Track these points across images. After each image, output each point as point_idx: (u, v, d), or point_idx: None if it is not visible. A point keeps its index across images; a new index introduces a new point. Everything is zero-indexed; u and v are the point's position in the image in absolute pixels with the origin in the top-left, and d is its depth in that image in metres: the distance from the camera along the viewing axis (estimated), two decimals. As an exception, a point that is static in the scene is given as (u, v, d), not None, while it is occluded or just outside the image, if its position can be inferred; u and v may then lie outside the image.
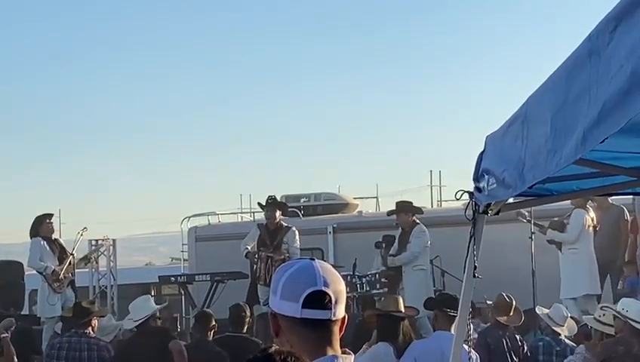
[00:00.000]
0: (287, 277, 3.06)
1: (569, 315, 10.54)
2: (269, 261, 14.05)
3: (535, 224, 13.79)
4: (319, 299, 3.03)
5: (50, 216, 14.99)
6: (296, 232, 14.49)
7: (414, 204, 14.77)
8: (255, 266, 14.37)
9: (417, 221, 14.03)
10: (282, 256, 13.91)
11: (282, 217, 14.80)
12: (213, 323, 10.48)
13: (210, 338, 10.32)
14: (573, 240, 13.45)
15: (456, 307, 5.47)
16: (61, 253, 14.72)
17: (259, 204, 15.14)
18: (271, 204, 14.64)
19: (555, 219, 13.91)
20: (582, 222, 13.36)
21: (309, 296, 3.02)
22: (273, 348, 2.85)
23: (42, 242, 14.61)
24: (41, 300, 14.79)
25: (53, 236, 14.92)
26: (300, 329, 3.04)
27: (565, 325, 10.31)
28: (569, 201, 12.45)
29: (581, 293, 13.14)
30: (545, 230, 13.66)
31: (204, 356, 10.00)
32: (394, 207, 14.55)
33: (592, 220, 13.60)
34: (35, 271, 14.93)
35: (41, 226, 14.74)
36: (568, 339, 10.26)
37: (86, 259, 16.31)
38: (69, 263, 14.75)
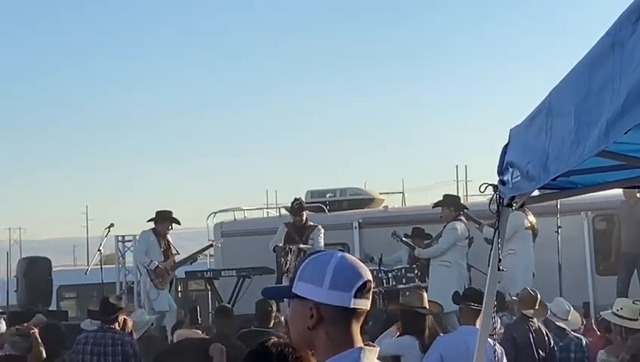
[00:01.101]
0: (336, 267, 3.05)
1: (572, 308, 10.49)
2: (301, 254, 14.16)
3: (473, 220, 13.96)
4: (367, 289, 3.08)
5: (171, 216, 15.09)
6: (322, 230, 14.71)
7: (460, 199, 14.69)
8: (283, 259, 14.46)
9: (460, 217, 13.88)
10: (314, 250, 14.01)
11: (309, 213, 14.96)
12: (233, 317, 10.52)
13: (231, 332, 10.36)
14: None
15: (481, 301, 5.45)
16: (167, 250, 14.85)
17: (285, 208, 15.29)
18: (297, 208, 14.88)
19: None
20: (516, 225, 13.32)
21: (361, 285, 3.06)
22: (270, 341, 2.86)
23: (152, 237, 14.74)
24: (143, 294, 15.04)
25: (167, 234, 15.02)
26: (345, 320, 3.04)
27: (569, 318, 10.26)
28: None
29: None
30: (482, 227, 13.69)
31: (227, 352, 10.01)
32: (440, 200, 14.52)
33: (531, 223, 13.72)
34: (61, 268, 15.03)
35: (160, 222, 14.87)
36: (574, 333, 10.24)
37: (192, 258, 16.31)
38: (173, 261, 14.90)
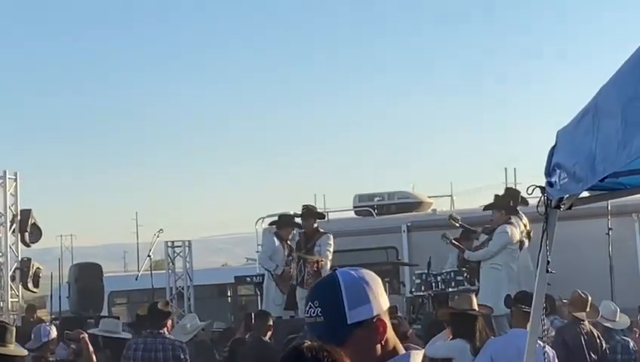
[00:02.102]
0: (360, 278, 3.09)
1: (619, 310, 10.40)
2: (301, 262, 14.25)
3: (457, 246, 14.18)
4: None
5: (294, 221, 15.18)
6: (330, 237, 14.68)
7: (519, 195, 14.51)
8: (288, 268, 14.54)
9: (510, 220, 13.76)
10: (315, 259, 14.22)
11: (355, 216, 14.89)
12: (270, 322, 10.55)
13: (267, 337, 10.42)
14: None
15: (531, 303, 5.42)
16: (289, 254, 14.88)
17: (295, 214, 15.23)
18: (306, 214, 14.89)
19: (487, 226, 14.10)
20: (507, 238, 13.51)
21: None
22: (305, 344, 2.87)
23: (276, 241, 14.84)
24: (266, 299, 15.03)
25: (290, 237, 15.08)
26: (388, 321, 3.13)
27: (617, 320, 10.18)
28: None
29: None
30: (477, 235, 13.98)
31: (257, 354, 10.07)
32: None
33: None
34: (112, 274, 15.16)
35: (283, 227, 14.95)
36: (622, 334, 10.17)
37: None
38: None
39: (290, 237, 14.93)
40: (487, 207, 14.40)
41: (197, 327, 12.68)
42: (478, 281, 13.80)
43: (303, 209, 14.99)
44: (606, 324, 10.14)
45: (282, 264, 14.63)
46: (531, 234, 13.68)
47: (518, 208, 13.89)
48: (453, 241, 14.42)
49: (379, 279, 3.14)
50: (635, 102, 3.24)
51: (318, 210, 15.34)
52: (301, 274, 14.23)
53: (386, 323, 3.06)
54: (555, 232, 4.89)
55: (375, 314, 3.04)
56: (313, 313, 3.05)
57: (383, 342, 3.05)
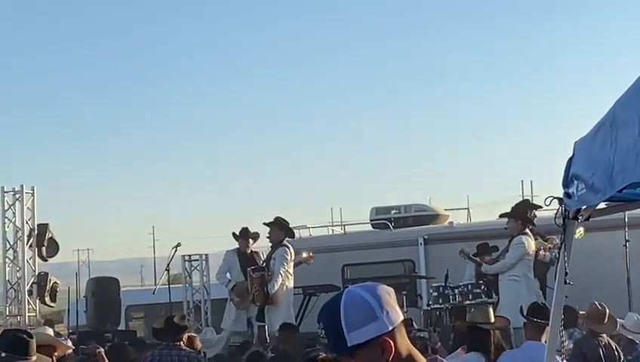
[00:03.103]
0: (370, 294, 3.08)
1: None
2: (250, 279, 14.33)
3: (473, 260, 14.24)
4: None
5: (247, 232, 15.27)
6: (287, 250, 14.62)
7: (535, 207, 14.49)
8: (242, 282, 14.60)
9: (525, 230, 13.76)
10: (261, 272, 14.23)
11: (372, 229, 14.80)
12: (298, 334, 10.54)
13: (296, 348, 10.41)
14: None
15: (545, 316, 5.40)
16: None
17: (233, 234, 15.31)
18: (241, 236, 15.05)
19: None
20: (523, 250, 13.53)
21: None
22: (319, 357, 2.88)
23: (234, 256, 14.93)
24: (226, 312, 15.26)
25: (249, 251, 15.18)
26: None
27: None
28: None
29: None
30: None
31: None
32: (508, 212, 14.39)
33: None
34: (129, 288, 15.25)
35: (239, 239, 15.13)
36: None
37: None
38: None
39: (248, 250, 15.07)
40: (503, 215, 14.40)
41: (218, 340, 12.73)
42: (497, 294, 13.75)
43: (241, 232, 15.08)
44: (630, 336, 10.11)
45: (237, 277, 14.85)
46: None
47: (534, 220, 13.90)
48: (471, 256, 14.41)
49: (391, 293, 3.11)
50: (652, 113, 3.23)
51: (288, 223, 15.12)
52: (250, 291, 14.28)
53: (390, 343, 3.02)
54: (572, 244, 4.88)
55: (380, 333, 3.01)
56: (320, 333, 3.10)
57: (390, 359, 3.02)
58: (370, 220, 18.75)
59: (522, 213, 14.06)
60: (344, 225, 19.58)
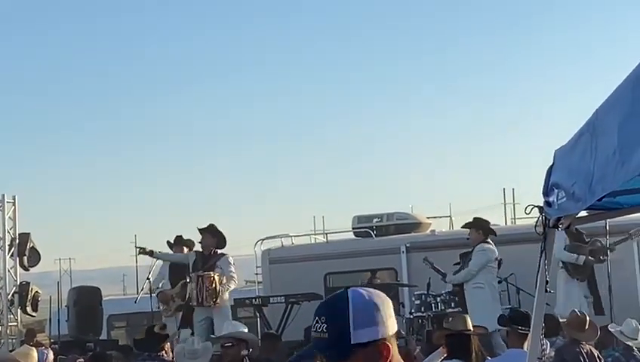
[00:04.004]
0: (374, 299, 3.10)
1: None
2: (200, 280, 14.10)
3: (437, 271, 14.45)
4: None
5: (182, 240, 15.32)
6: (230, 258, 14.59)
7: (490, 223, 14.75)
8: (186, 289, 14.49)
9: (487, 240, 13.99)
10: (213, 275, 14.07)
11: (354, 237, 14.83)
12: (280, 343, 10.56)
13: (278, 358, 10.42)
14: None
15: (528, 324, 5.42)
16: (182, 276, 14.90)
17: (167, 242, 15.40)
18: (175, 244, 15.24)
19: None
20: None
21: None
22: None
23: (166, 264, 14.98)
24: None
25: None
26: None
27: (638, 338, 10.18)
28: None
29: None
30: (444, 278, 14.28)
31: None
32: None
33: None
34: (111, 297, 15.25)
35: (173, 247, 15.24)
36: None
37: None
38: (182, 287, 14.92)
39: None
40: (465, 226, 14.64)
41: (205, 349, 12.68)
42: (464, 302, 13.93)
43: (201, 228, 14.88)
44: (627, 343, 10.16)
45: (167, 285, 14.97)
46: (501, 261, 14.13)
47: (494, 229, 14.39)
48: (435, 266, 14.72)
49: (390, 302, 3.13)
50: (631, 122, 3.25)
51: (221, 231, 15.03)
52: (201, 293, 14.08)
53: (390, 348, 3.05)
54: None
55: (381, 337, 3.04)
56: (319, 328, 3.06)
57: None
58: (353, 228, 18.75)
59: (483, 223, 14.41)
60: (326, 234, 19.59)
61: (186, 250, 15.16)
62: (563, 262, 13.92)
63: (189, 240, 15.38)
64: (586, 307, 13.26)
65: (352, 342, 3.01)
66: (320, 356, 3.06)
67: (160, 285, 15.24)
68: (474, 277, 13.81)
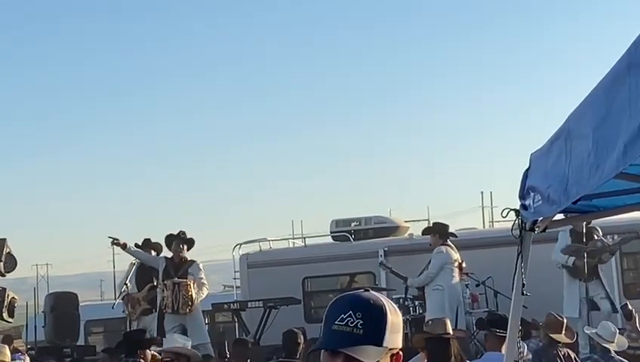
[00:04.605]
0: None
1: (617, 331, 10.45)
2: (176, 287, 14.05)
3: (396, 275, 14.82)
4: None
5: (149, 242, 15.30)
6: (201, 265, 14.60)
7: (449, 227, 14.92)
8: (160, 296, 14.34)
9: (446, 243, 14.19)
10: (189, 282, 14.03)
11: (333, 241, 14.81)
12: (249, 349, 10.57)
13: None
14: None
15: (505, 327, 5.44)
16: (148, 279, 14.86)
17: (135, 245, 15.25)
18: (143, 247, 15.08)
19: None
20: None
21: None
22: None
23: (134, 267, 14.92)
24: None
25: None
26: None
27: (615, 341, 10.22)
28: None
29: None
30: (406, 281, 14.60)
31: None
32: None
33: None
34: (88, 302, 15.15)
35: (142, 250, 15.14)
36: (618, 355, 10.20)
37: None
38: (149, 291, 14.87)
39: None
40: (424, 231, 15.16)
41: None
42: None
43: (172, 235, 14.91)
44: (604, 345, 10.19)
45: (133, 289, 14.92)
46: (463, 265, 14.31)
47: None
48: (394, 270, 15.03)
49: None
50: (606, 125, 3.27)
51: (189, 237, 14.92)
52: (177, 300, 14.02)
53: (401, 357, 2.99)
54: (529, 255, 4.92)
55: (400, 347, 2.97)
56: (351, 322, 2.87)
57: None
58: (331, 233, 18.74)
59: (441, 228, 14.69)
60: (305, 238, 19.56)
61: (153, 253, 15.09)
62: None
63: (157, 243, 15.33)
64: (586, 307, 13.39)
65: (383, 345, 2.88)
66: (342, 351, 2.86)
67: (124, 289, 15.13)
68: (433, 280, 13.96)
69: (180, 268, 14.35)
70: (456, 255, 14.06)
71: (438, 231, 14.46)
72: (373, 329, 2.88)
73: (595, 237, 13.81)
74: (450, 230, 14.96)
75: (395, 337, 2.92)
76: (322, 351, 2.92)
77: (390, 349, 2.91)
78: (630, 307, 10.38)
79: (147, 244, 15.16)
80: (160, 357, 10.42)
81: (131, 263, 15.24)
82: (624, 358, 10.20)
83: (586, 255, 13.51)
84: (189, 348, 10.07)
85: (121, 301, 14.98)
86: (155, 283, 14.57)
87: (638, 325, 10.42)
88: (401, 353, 2.98)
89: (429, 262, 14.12)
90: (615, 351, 10.19)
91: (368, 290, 2.99)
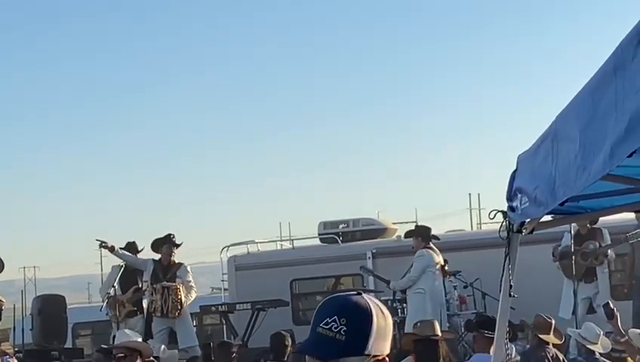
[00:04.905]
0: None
1: (602, 333, 10.48)
2: (166, 291, 14.04)
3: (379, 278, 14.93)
4: None
5: (133, 245, 15.21)
6: (188, 267, 14.59)
7: (431, 230, 14.92)
8: (149, 299, 14.34)
9: (428, 246, 14.19)
10: (178, 286, 14.01)
11: (321, 243, 14.84)
12: (233, 350, 10.56)
13: None
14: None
15: (494, 328, 5.44)
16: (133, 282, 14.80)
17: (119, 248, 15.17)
18: (126, 250, 14.93)
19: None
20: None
21: None
22: None
23: (120, 269, 14.84)
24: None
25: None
26: None
27: (599, 342, 10.25)
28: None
29: None
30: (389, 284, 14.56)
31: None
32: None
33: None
34: (76, 305, 15.11)
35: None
36: (603, 357, 10.23)
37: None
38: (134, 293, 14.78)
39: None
40: (407, 235, 15.08)
41: (172, 356, 12.63)
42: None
43: (162, 238, 14.88)
44: (589, 346, 10.21)
45: (118, 292, 14.82)
46: (447, 268, 14.34)
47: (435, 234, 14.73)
48: (376, 273, 15.16)
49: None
50: (592, 127, 3.28)
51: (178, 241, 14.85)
52: (166, 303, 14.00)
53: None
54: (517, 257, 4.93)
55: (386, 353, 2.87)
56: (335, 328, 2.79)
57: None
58: (319, 234, 18.75)
59: (423, 231, 14.72)
60: (292, 240, 19.58)
61: (139, 255, 15.06)
62: None
63: (133, 242, 15.32)
64: (582, 308, 13.47)
65: (365, 353, 2.80)
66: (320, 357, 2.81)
67: (110, 291, 15.07)
68: (415, 283, 13.98)
69: (168, 270, 14.33)
70: (438, 258, 14.06)
71: (421, 234, 14.48)
72: (356, 335, 2.80)
73: (600, 238, 13.88)
74: (437, 232, 15.00)
75: (380, 343, 2.83)
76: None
77: (374, 356, 2.82)
78: (612, 306, 10.39)
79: (131, 247, 15.12)
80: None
81: (116, 266, 15.19)
82: (608, 360, 10.24)
83: (578, 256, 13.56)
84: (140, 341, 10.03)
85: (105, 305, 14.92)
86: (140, 286, 14.53)
87: (620, 325, 10.43)
88: (387, 359, 2.88)
89: (412, 266, 14.13)
90: (600, 353, 10.22)
91: (360, 293, 2.90)
